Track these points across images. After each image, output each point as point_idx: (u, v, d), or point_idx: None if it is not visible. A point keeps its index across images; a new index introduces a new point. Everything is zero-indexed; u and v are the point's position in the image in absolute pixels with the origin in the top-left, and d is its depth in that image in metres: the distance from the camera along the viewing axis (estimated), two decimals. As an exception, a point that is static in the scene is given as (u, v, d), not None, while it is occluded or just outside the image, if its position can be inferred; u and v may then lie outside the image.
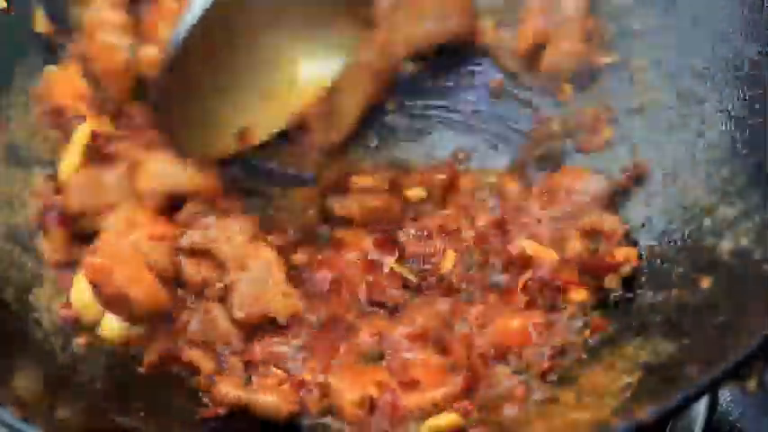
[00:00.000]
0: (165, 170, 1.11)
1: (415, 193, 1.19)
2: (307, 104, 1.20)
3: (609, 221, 1.11)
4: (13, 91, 1.20)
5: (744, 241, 0.99)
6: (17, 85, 1.20)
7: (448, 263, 1.12)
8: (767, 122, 1.03)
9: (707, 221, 1.05)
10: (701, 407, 1.06)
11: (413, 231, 1.15)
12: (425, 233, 1.15)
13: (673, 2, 1.19)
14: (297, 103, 1.20)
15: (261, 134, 1.19)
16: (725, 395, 1.12)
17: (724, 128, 1.09)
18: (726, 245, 1.01)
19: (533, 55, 1.25)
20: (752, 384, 0.84)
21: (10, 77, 1.20)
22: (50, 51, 1.21)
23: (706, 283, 1.00)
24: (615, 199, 1.15)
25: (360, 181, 1.20)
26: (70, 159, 1.13)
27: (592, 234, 1.10)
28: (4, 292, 1.07)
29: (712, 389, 0.99)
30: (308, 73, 1.20)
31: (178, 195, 1.11)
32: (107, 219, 1.08)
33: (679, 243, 1.07)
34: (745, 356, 0.82)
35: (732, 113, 1.08)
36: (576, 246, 1.09)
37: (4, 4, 1.17)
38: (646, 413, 0.82)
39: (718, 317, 0.95)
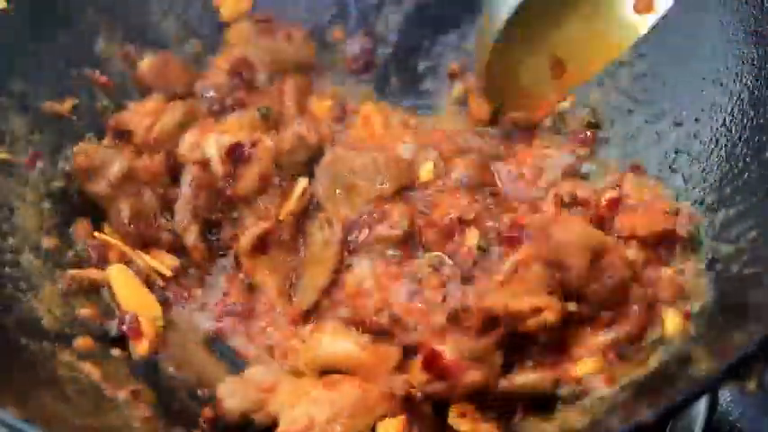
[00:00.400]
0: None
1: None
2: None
3: (581, 187, 1.13)
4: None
5: (743, 241, 0.99)
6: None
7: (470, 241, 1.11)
8: (767, 122, 1.03)
9: (704, 222, 1.05)
10: (701, 407, 1.07)
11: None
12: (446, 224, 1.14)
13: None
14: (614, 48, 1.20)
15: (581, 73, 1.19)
16: (725, 395, 1.12)
17: (723, 127, 1.09)
18: (724, 245, 1.01)
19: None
20: (752, 384, 0.84)
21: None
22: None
23: (705, 283, 1.00)
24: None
25: None
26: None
27: (568, 202, 1.12)
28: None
29: (712, 389, 0.99)
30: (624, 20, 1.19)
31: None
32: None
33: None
34: (745, 356, 0.82)
35: (731, 113, 1.09)
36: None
37: (4, 4, 1.17)
38: (646, 413, 0.82)
39: (717, 317, 0.96)
